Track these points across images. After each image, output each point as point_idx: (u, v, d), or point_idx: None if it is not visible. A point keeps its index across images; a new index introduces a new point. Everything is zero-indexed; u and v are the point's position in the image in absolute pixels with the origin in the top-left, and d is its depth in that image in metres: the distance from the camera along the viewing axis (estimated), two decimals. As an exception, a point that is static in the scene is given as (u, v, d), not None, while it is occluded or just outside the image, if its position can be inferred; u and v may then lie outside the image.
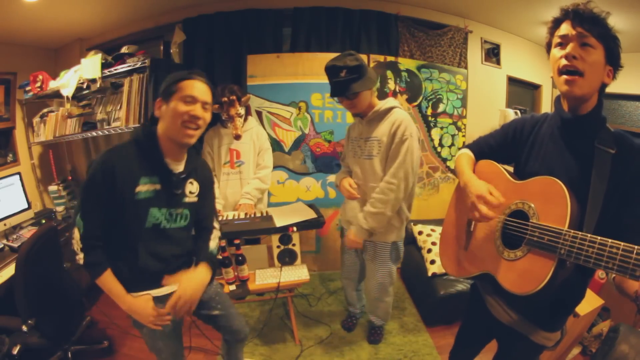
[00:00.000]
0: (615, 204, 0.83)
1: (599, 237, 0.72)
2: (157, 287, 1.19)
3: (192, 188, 1.24)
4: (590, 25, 0.81)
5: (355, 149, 1.76)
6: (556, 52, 0.88)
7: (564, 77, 0.84)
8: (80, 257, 1.09)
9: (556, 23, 0.89)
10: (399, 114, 1.61)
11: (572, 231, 0.78)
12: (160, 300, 1.19)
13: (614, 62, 0.84)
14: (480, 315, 1.20)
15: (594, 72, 0.83)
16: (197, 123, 1.11)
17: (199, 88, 1.12)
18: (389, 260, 1.80)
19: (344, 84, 1.53)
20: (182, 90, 1.10)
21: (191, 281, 1.16)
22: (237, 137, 2.07)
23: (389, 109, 1.63)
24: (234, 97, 2.04)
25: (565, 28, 0.85)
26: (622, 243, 0.68)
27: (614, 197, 0.83)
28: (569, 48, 0.83)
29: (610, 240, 0.70)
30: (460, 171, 1.15)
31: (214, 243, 1.33)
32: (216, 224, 1.38)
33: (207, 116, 1.15)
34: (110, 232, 1.11)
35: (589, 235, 0.75)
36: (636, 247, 0.66)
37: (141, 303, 1.15)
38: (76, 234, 1.08)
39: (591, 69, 0.82)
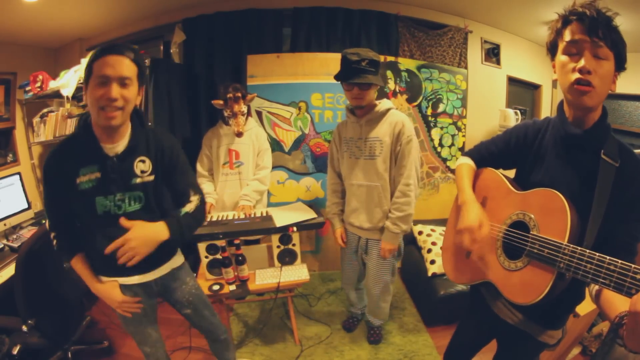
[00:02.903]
0: (613, 219, 0.82)
1: (597, 254, 0.72)
2: (124, 275, 1.21)
3: (144, 166, 1.14)
4: (606, 31, 0.77)
5: (352, 149, 1.76)
6: (566, 60, 0.83)
7: (576, 87, 0.81)
8: (54, 244, 1.17)
9: (564, 23, 0.84)
10: (398, 115, 1.67)
11: (572, 246, 0.78)
12: (128, 289, 1.23)
13: (620, 67, 0.83)
14: (482, 315, 1.19)
15: (605, 83, 0.81)
16: (114, 105, 1.00)
17: (111, 64, 0.99)
18: (392, 257, 1.82)
19: (361, 71, 1.54)
20: (95, 72, 1.00)
21: (143, 230, 1.08)
22: (239, 134, 2.08)
23: (387, 110, 1.68)
24: (239, 94, 2.05)
25: (577, 33, 0.80)
26: (620, 261, 0.68)
27: (613, 211, 0.82)
28: (583, 61, 0.79)
29: (608, 257, 0.70)
30: (459, 187, 1.13)
31: (188, 207, 1.20)
32: (194, 197, 1.23)
33: (128, 93, 1.03)
34: (73, 221, 1.17)
35: (588, 251, 0.74)
36: (633, 265, 0.66)
37: (107, 288, 1.20)
38: (47, 224, 1.17)
39: (602, 82, 0.80)
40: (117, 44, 1.06)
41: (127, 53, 1.02)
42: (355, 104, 1.65)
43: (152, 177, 1.16)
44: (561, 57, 0.85)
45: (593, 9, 0.79)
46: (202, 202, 1.26)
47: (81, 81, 2.28)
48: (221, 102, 2.07)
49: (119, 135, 1.10)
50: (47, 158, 1.09)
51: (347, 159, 1.79)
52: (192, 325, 1.50)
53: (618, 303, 0.74)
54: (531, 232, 0.90)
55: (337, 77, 1.62)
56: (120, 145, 1.10)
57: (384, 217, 1.74)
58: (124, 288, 1.22)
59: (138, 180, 1.13)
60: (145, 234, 1.08)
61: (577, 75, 0.80)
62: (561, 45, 0.85)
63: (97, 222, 1.13)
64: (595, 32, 0.78)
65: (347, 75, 1.56)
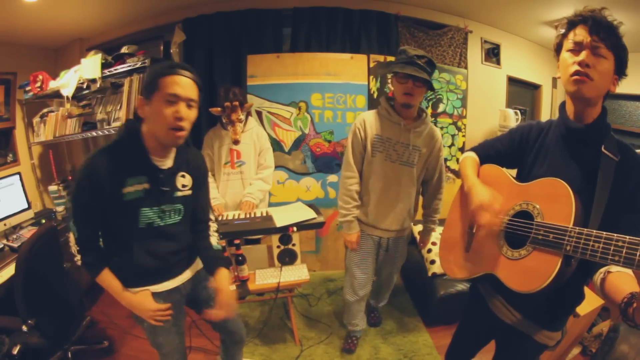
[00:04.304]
0: (614, 210, 0.84)
1: (604, 232, 0.74)
2: (156, 283, 1.20)
3: (185, 181, 1.20)
4: (606, 35, 0.82)
5: (389, 151, 1.67)
6: (568, 57, 0.88)
7: (575, 77, 0.85)
8: (78, 259, 1.12)
9: (570, 26, 0.89)
10: (435, 129, 1.74)
11: (578, 228, 0.80)
12: (159, 296, 1.21)
13: (621, 72, 0.86)
14: (481, 315, 1.19)
15: (603, 79, 0.85)
16: (181, 125, 1.03)
17: (182, 84, 1.01)
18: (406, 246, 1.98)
19: (420, 66, 1.55)
20: (164, 88, 0.99)
21: (227, 288, 1.25)
22: (236, 142, 2.07)
23: (428, 122, 1.73)
24: (237, 103, 2.04)
25: (580, 34, 0.85)
26: (628, 237, 0.69)
27: (614, 203, 0.84)
28: (582, 55, 0.83)
29: (615, 234, 0.71)
30: (464, 175, 1.15)
31: (214, 239, 1.33)
32: (212, 216, 1.36)
33: (192, 114, 1.06)
34: (105, 233, 1.14)
35: (595, 231, 0.76)
36: None
37: (139, 298, 1.17)
38: (72, 237, 1.10)
39: (600, 77, 0.84)
40: (183, 64, 1.06)
41: (195, 77, 1.06)
42: (405, 101, 1.58)
43: (190, 192, 1.22)
44: (564, 54, 0.90)
45: (599, 14, 0.84)
46: (218, 230, 1.39)
47: (81, 81, 2.29)
48: (219, 109, 2.06)
49: (169, 151, 1.14)
50: (88, 166, 1.03)
51: (382, 160, 1.68)
52: (217, 328, 1.48)
53: (624, 286, 0.77)
54: (535, 220, 0.91)
55: (393, 68, 1.58)
56: (169, 160, 1.14)
57: (409, 218, 1.84)
58: (154, 296, 1.20)
59: (179, 193, 1.19)
60: (229, 291, 1.25)
61: (576, 67, 0.84)
62: (566, 45, 0.90)
63: (137, 234, 1.12)
64: (597, 33, 0.82)
65: (406, 65, 1.53)
